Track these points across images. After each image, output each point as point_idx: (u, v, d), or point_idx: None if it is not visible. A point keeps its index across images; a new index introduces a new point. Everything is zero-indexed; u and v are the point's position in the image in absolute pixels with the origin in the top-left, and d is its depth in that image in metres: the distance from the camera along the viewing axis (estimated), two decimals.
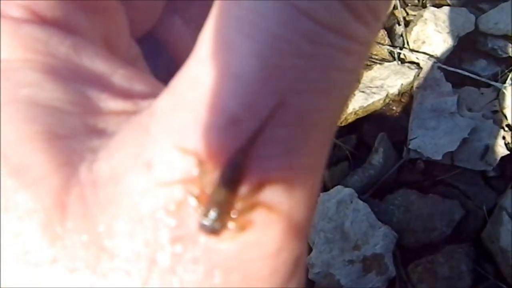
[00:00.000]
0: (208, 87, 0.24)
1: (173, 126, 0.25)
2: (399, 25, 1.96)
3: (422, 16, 1.92)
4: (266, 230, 0.25)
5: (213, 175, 0.24)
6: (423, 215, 1.63)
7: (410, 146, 1.71)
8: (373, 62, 1.91)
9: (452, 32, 1.87)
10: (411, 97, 1.83)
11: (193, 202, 0.25)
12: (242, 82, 0.23)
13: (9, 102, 0.26)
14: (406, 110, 1.82)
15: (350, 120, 1.84)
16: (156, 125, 0.25)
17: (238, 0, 0.24)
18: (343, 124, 1.84)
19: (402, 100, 1.85)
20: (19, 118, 0.26)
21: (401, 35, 1.94)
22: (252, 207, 0.25)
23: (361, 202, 1.59)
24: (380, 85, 1.84)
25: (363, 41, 0.25)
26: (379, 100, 1.81)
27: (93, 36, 0.32)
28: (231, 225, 0.25)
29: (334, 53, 0.24)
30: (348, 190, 1.61)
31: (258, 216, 0.25)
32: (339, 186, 1.64)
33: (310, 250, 1.56)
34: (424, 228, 1.61)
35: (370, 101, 1.81)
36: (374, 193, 1.69)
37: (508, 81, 1.78)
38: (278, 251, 0.25)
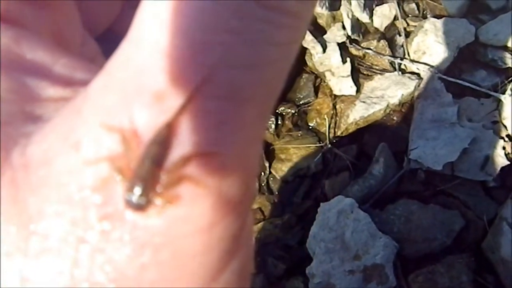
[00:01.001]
0: (137, 66, 0.24)
1: (101, 105, 0.25)
2: (399, 35, 1.97)
3: (422, 27, 1.93)
4: (194, 204, 0.25)
5: (138, 151, 0.25)
6: (424, 225, 1.63)
7: (410, 156, 1.71)
8: (374, 72, 1.92)
9: (452, 43, 1.88)
10: (412, 107, 1.84)
11: (119, 179, 0.25)
12: (167, 58, 0.24)
13: None
14: (407, 120, 1.83)
15: (350, 130, 1.85)
16: (87, 106, 0.25)
17: None
18: (343, 134, 1.85)
19: (403, 110, 1.85)
20: None
21: (402, 46, 1.95)
22: (178, 181, 0.25)
23: (361, 212, 1.60)
24: (381, 95, 1.84)
25: (295, 15, 0.25)
26: (380, 110, 1.82)
27: (39, 29, 0.32)
28: (157, 200, 0.25)
29: (263, 27, 0.24)
30: (348, 200, 1.61)
31: (185, 190, 0.25)
32: (339, 196, 1.64)
33: (310, 260, 1.56)
34: (425, 238, 1.61)
35: (371, 111, 1.82)
36: (374, 203, 1.69)
37: (508, 91, 1.78)
38: (210, 227, 0.25)
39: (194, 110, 0.24)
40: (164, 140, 0.24)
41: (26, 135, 0.26)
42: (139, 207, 0.24)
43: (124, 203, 0.24)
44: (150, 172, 0.25)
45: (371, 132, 1.84)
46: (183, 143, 0.24)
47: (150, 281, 0.25)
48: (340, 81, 1.88)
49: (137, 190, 0.24)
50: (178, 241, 0.25)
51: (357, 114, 1.83)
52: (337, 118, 1.87)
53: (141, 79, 0.24)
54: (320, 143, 1.83)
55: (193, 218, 0.25)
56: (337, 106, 1.88)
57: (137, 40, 0.24)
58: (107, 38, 0.41)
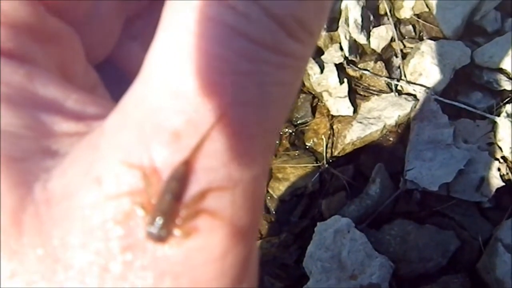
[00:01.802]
0: (152, 106, 0.26)
1: (120, 143, 0.26)
2: (396, 57, 1.99)
3: (419, 48, 1.95)
4: (210, 235, 0.26)
5: (158, 187, 0.26)
6: (419, 246, 1.64)
7: (406, 177, 1.72)
8: (371, 93, 1.94)
9: (449, 65, 1.90)
10: (408, 128, 1.85)
11: (140, 212, 0.26)
12: (183, 99, 0.25)
13: None
14: (403, 141, 1.85)
15: (347, 150, 1.86)
16: (105, 142, 0.27)
17: (176, 24, 0.26)
18: (340, 154, 1.86)
19: (399, 131, 1.87)
20: None
21: (399, 67, 1.97)
22: (196, 214, 0.26)
23: (358, 232, 1.61)
24: (377, 116, 1.86)
25: (299, 57, 0.27)
26: (377, 131, 1.84)
27: (48, 64, 0.33)
28: (177, 232, 0.26)
29: (270, 69, 0.26)
30: (345, 220, 1.62)
31: (202, 222, 0.26)
32: (336, 216, 1.65)
33: (307, 279, 1.57)
34: (420, 258, 1.62)
35: (368, 131, 1.84)
36: (370, 223, 1.70)
37: (503, 113, 1.80)
38: (224, 255, 0.27)
39: (208, 148, 0.26)
40: (182, 176, 0.26)
41: (45, 169, 0.28)
42: (160, 239, 0.26)
43: (146, 235, 0.26)
44: (170, 206, 0.26)
45: (367, 153, 1.85)
46: (200, 179, 0.26)
47: None
48: (337, 101, 1.90)
49: (158, 223, 0.26)
50: (195, 270, 0.26)
51: (354, 135, 1.85)
52: (334, 138, 1.89)
53: (157, 119, 0.25)
54: (317, 163, 1.84)
55: (209, 248, 0.26)
56: (334, 126, 1.90)
57: (151, 81, 0.26)
58: (105, 68, 0.43)
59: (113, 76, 0.43)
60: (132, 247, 0.26)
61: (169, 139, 0.25)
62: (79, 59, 0.38)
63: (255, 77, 0.26)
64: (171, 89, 0.25)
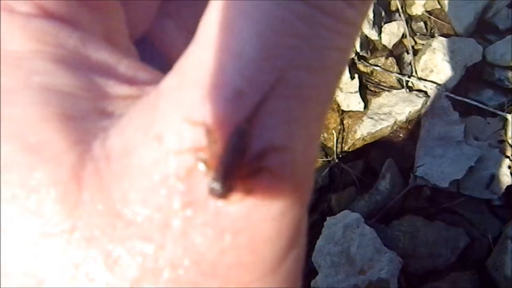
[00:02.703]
0: (213, 67, 0.26)
1: (181, 101, 0.27)
2: (407, 53, 1.99)
3: (430, 45, 1.95)
4: (271, 193, 0.27)
5: (220, 143, 0.26)
6: (429, 242, 1.64)
7: (417, 173, 1.72)
8: (381, 89, 1.94)
9: (460, 62, 1.90)
10: (419, 124, 1.85)
11: (202, 168, 0.27)
12: (244, 60, 0.26)
13: (22, 88, 0.28)
14: (413, 137, 1.84)
15: (357, 146, 1.86)
16: (164, 102, 0.27)
17: None
18: (350, 150, 1.86)
19: (409, 127, 1.87)
20: (33, 102, 0.28)
21: (410, 63, 1.97)
22: (257, 171, 0.27)
23: (367, 227, 1.61)
24: (388, 112, 1.86)
25: (353, 23, 0.27)
26: (387, 127, 1.84)
27: (97, 32, 0.34)
28: (238, 189, 0.27)
29: (327, 33, 0.26)
30: (355, 215, 1.63)
31: (263, 179, 0.27)
32: (346, 211, 1.65)
33: (316, 273, 1.57)
34: (430, 254, 1.62)
35: (378, 127, 1.84)
36: (380, 219, 1.70)
37: None
38: (283, 213, 0.27)
39: (268, 108, 0.26)
40: (244, 133, 0.26)
41: (103, 129, 0.28)
42: (222, 195, 0.26)
43: (208, 191, 0.26)
44: (232, 162, 0.27)
45: (377, 148, 1.85)
46: (261, 137, 0.26)
47: (227, 265, 0.27)
48: (348, 97, 1.90)
49: (220, 179, 0.26)
50: (255, 227, 0.27)
51: (364, 130, 1.85)
52: (345, 134, 1.89)
53: (219, 78, 0.26)
54: (326, 158, 1.84)
55: (270, 206, 0.27)
56: (345, 122, 1.90)
57: (210, 43, 0.26)
58: (140, 44, 0.43)
59: (146, 53, 0.43)
60: (193, 203, 0.26)
61: (232, 96, 0.26)
62: (123, 31, 0.39)
63: (313, 40, 0.26)
64: (232, 51, 0.26)
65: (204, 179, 0.26)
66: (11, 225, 0.27)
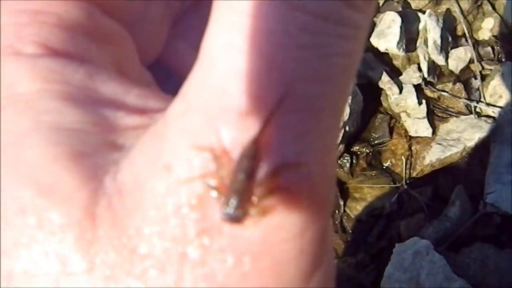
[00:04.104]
0: (216, 89, 0.26)
1: (187, 128, 0.26)
2: (475, 79, 1.98)
3: (499, 70, 1.93)
4: (288, 211, 0.26)
5: (230, 167, 0.26)
6: (500, 270, 1.62)
7: (486, 200, 1.70)
8: (449, 115, 1.93)
9: None
10: (487, 150, 1.83)
11: (214, 194, 0.26)
12: (247, 79, 0.25)
13: (33, 129, 0.28)
14: (482, 163, 1.82)
15: (425, 172, 1.85)
16: (171, 130, 0.27)
17: (230, 6, 0.25)
18: (418, 176, 1.85)
19: (478, 153, 1.85)
20: (44, 143, 0.28)
21: (478, 89, 1.95)
22: (271, 191, 0.26)
23: (437, 254, 1.59)
24: (457, 138, 1.85)
25: (358, 26, 0.27)
26: (457, 153, 1.82)
27: (105, 63, 0.34)
28: (253, 211, 0.26)
29: (331, 40, 0.26)
30: (424, 242, 1.61)
31: (278, 199, 0.26)
32: (415, 238, 1.64)
33: None
34: (501, 283, 1.60)
35: (448, 153, 1.82)
36: (449, 246, 1.69)
37: None
38: (302, 232, 0.26)
39: (277, 124, 0.25)
40: (253, 154, 0.25)
41: (113, 162, 0.28)
42: (236, 219, 0.25)
43: (222, 217, 0.26)
44: (244, 185, 0.26)
45: (446, 174, 1.84)
46: (272, 156, 0.26)
47: None
48: (415, 122, 1.89)
49: (233, 203, 0.25)
50: (275, 249, 0.26)
51: (433, 156, 1.84)
52: (413, 159, 1.88)
53: (222, 101, 0.25)
54: (394, 184, 1.84)
55: (288, 225, 0.26)
56: (413, 147, 1.90)
57: (211, 65, 0.26)
58: (154, 68, 0.43)
59: (162, 76, 0.42)
60: (208, 230, 0.26)
61: (236, 118, 0.25)
62: (133, 59, 0.39)
63: (318, 49, 0.25)
64: (233, 70, 0.25)
65: (217, 205, 0.26)
66: (32, 268, 0.27)
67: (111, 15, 0.36)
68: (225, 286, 0.26)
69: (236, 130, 0.26)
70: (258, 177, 0.26)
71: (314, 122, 0.26)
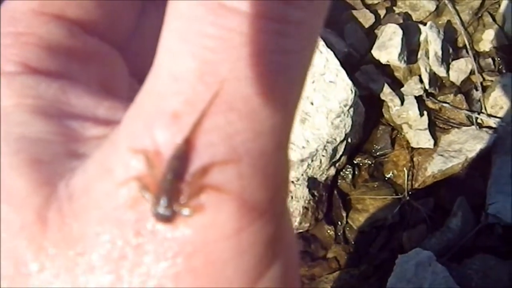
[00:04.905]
0: (156, 93, 0.26)
1: (128, 132, 0.27)
2: (476, 90, 1.99)
3: (500, 82, 1.94)
4: (218, 210, 0.26)
5: (161, 168, 0.26)
6: (502, 281, 1.62)
7: (488, 211, 1.71)
8: (451, 126, 1.94)
9: None
10: (489, 161, 1.84)
11: (146, 195, 0.27)
12: (180, 81, 0.26)
13: (3, 140, 0.30)
14: (484, 174, 1.83)
15: (427, 183, 1.86)
16: (117, 135, 0.28)
17: (170, 11, 0.26)
18: (420, 187, 1.86)
19: (480, 164, 1.86)
20: (7, 151, 0.30)
21: (479, 100, 1.97)
22: (200, 190, 0.26)
23: (439, 265, 1.60)
24: (458, 149, 1.86)
25: (299, 22, 0.26)
26: (458, 164, 1.83)
27: (87, 79, 0.35)
28: (184, 211, 0.26)
29: (267, 38, 0.25)
30: (427, 253, 1.62)
31: (207, 198, 0.26)
32: (418, 249, 1.65)
33: None
34: None
35: (449, 165, 1.83)
36: (451, 257, 1.69)
37: None
38: (237, 232, 0.26)
39: (208, 125, 0.26)
40: (183, 155, 0.26)
41: (71, 169, 0.29)
42: (167, 219, 0.26)
43: (153, 217, 0.26)
44: (173, 185, 0.27)
45: (448, 185, 1.85)
46: (201, 155, 0.26)
47: None
48: (417, 134, 1.90)
49: (163, 203, 0.26)
50: (207, 248, 0.26)
51: (435, 167, 1.84)
52: (415, 171, 1.89)
53: (159, 104, 0.26)
54: (396, 195, 1.85)
55: (219, 224, 0.26)
56: (415, 159, 1.90)
57: (156, 71, 0.27)
58: None
59: None
60: (143, 231, 0.27)
61: (168, 120, 0.26)
62: (121, 76, 0.40)
63: (250, 47, 0.25)
64: (171, 74, 0.26)
65: (149, 206, 0.27)
66: None
67: (95, 34, 0.37)
68: (162, 287, 0.27)
69: (168, 132, 0.26)
70: (186, 176, 0.26)
71: (245, 123, 0.26)
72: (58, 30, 0.35)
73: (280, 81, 0.26)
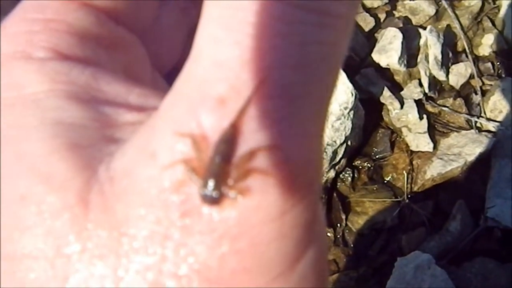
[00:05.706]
0: (198, 78, 0.27)
1: (171, 117, 0.28)
2: (475, 94, 2.00)
3: (499, 86, 1.95)
4: (264, 194, 0.27)
5: (208, 152, 0.27)
6: (501, 284, 1.63)
7: (488, 215, 1.71)
8: (450, 129, 1.95)
9: None
10: (488, 165, 1.84)
11: (193, 178, 0.27)
12: (225, 68, 0.26)
13: (38, 125, 0.31)
14: (483, 178, 1.84)
15: (427, 186, 1.86)
16: (159, 120, 0.28)
17: (216, 1, 0.27)
18: (419, 190, 1.87)
19: (479, 168, 1.86)
20: (45, 136, 0.30)
21: (478, 104, 1.97)
22: (247, 174, 0.27)
23: (438, 268, 1.60)
24: (458, 152, 1.86)
25: (336, 15, 0.27)
26: (457, 167, 1.84)
27: (112, 66, 0.36)
28: (231, 193, 0.27)
29: (307, 29, 0.26)
30: (426, 256, 1.62)
31: (254, 181, 0.27)
32: (417, 251, 1.65)
33: None
34: None
35: (449, 168, 1.84)
36: (450, 260, 1.70)
37: None
38: (281, 214, 0.27)
39: (254, 110, 0.27)
40: (230, 139, 0.27)
41: (109, 154, 0.30)
42: (214, 201, 0.27)
43: (200, 199, 0.27)
44: (221, 168, 0.27)
45: (447, 189, 1.85)
46: (248, 139, 0.27)
47: (231, 270, 0.27)
48: (416, 137, 1.91)
49: (210, 185, 0.27)
50: (253, 230, 0.27)
51: (434, 171, 1.85)
52: (414, 174, 1.90)
53: (203, 89, 0.27)
54: (395, 198, 1.85)
55: (265, 207, 0.27)
56: (414, 162, 1.91)
57: (196, 57, 0.28)
58: (173, 76, 0.46)
59: None
60: (189, 212, 0.27)
61: (214, 105, 0.27)
62: (144, 65, 0.41)
63: (292, 38, 0.26)
64: (214, 60, 0.27)
65: (196, 188, 0.27)
66: (32, 250, 0.29)
67: (120, 22, 0.38)
68: (205, 267, 0.27)
69: (215, 116, 0.27)
70: (234, 159, 0.27)
71: (291, 109, 0.27)
72: (86, 17, 0.36)
73: (321, 70, 0.27)
